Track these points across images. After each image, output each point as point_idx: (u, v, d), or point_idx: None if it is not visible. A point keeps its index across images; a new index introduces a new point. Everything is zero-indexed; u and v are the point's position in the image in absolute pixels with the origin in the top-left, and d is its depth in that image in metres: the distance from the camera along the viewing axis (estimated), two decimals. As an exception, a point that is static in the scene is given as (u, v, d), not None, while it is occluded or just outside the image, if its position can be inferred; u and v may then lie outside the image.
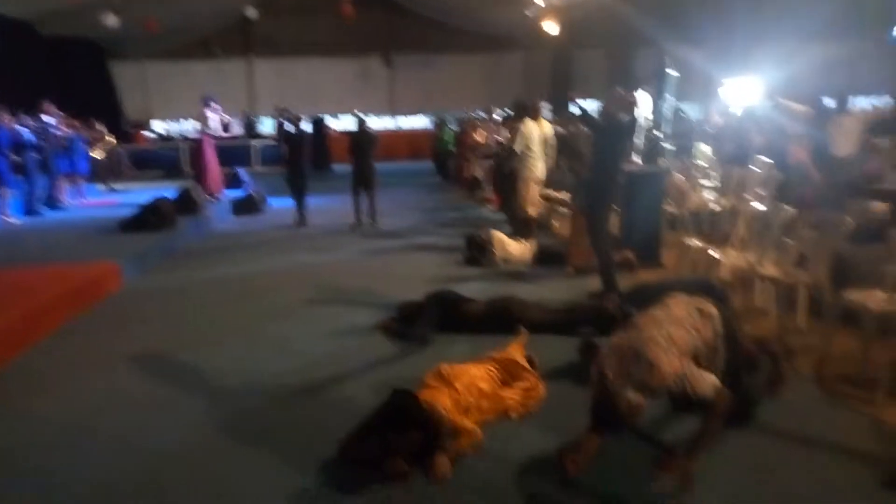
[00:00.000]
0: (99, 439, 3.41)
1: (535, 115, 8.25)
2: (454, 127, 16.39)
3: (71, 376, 4.29)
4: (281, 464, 3.09)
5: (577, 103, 6.72)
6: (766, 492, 2.82)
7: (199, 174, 11.86)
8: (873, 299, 3.96)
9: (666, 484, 2.77)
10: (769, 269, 4.98)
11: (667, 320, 3.01)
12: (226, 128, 12.63)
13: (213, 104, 12.47)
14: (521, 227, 7.95)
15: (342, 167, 18.03)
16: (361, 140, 9.54)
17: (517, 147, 7.58)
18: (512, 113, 9.95)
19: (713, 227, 8.46)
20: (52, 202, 11.31)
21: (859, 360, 3.98)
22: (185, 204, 9.77)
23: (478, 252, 6.99)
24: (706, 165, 9.57)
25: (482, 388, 3.42)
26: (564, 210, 8.46)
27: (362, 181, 9.56)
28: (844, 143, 7.63)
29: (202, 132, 12.17)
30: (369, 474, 2.89)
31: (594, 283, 5.79)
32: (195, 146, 12.39)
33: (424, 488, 2.84)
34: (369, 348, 4.57)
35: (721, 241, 6.08)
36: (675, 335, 2.90)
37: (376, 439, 2.97)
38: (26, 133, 10.32)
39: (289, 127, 9.95)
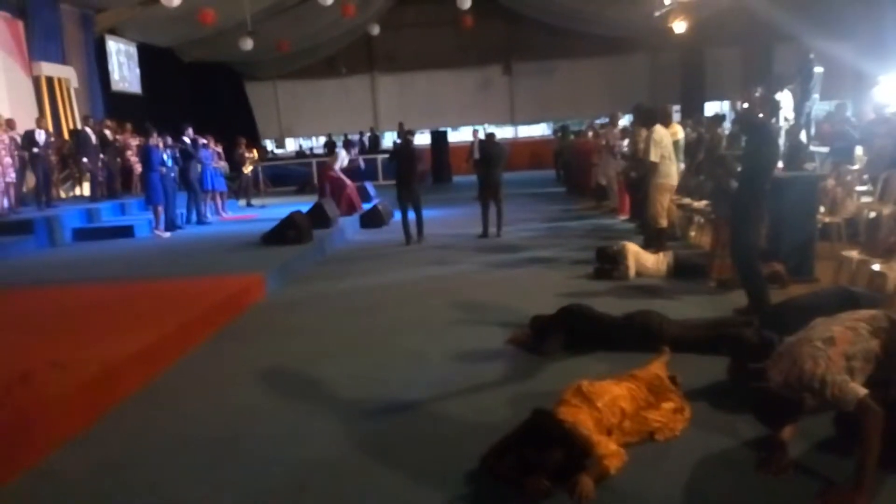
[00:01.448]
0: (240, 453, 3.51)
1: (665, 121, 7.91)
2: (576, 133, 16.12)
3: (216, 388, 4.51)
4: (421, 478, 3.10)
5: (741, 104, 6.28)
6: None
7: (334, 194, 12.39)
8: None
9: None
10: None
11: (839, 322, 2.91)
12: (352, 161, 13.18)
13: (352, 148, 13.11)
14: (653, 237, 7.64)
15: (463, 178, 18.33)
16: (491, 152, 9.58)
17: (653, 157, 7.26)
18: (634, 118, 9.61)
19: (871, 236, 7.73)
20: (199, 218, 12.21)
21: None
22: (319, 217, 10.22)
23: (609, 264, 6.77)
24: (862, 170, 8.76)
25: (624, 408, 3.26)
26: (702, 219, 8.04)
27: (490, 192, 9.58)
28: None
29: (331, 167, 12.71)
30: (511, 490, 2.83)
31: (740, 298, 5.42)
32: (324, 173, 13.02)
33: (566, 508, 2.74)
34: (502, 362, 4.52)
35: (883, 252, 5.52)
36: (840, 336, 2.80)
37: (515, 457, 2.91)
38: (168, 153, 11.17)
39: (398, 140, 10.01)
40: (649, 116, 7.98)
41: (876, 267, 5.02)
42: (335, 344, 5.23)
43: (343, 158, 12.66)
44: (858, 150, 9.90)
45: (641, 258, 6.74)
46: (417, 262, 8.33)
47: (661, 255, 6.85)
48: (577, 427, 2.93)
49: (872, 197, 8.03)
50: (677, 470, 3.00)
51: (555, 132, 18.75)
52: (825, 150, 10.31)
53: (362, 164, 13.49)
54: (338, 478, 3.18)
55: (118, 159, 13.26)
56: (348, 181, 12.62)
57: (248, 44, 16.74)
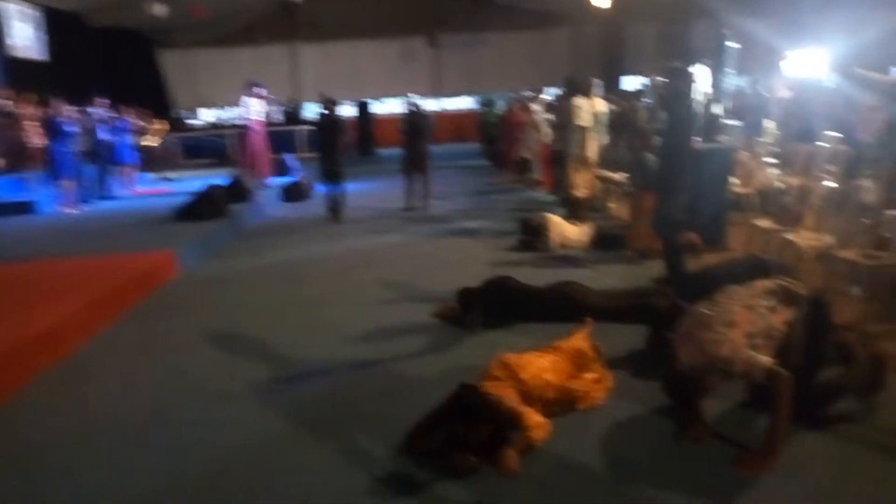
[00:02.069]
0: (156, 437, 3.37)
1: (586, 93, 7.96)
2: (501, 107, 16.12)
3: (130, 366, 4.31)
4: (345, 457, 3.01)
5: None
6: (847, 493, 2.60)
7: (248, 161, 11.94)
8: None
9: (744, 477, 2.65)
10: (848, 252, 4.67)
11: (738, 301, 2.97)
12: (266, 115, 12.54)
13: (256, 90, 12.42)
14: (574, 209, 7.73)
15: (388, 151, 18.09)
16: (416, 123, 9.41)
17: (581, 121, 7.31)
18: (563, 91, 9.68)
19: (780, 206, 8.09)
20: (106, 193, 11.53)
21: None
22: (236, 191, 9.82)
23: (533, 236, 6.80)
24: (771, 142, 9.12)
25: (548, 380, 3.27)
26: (621, 190, 8.19)
27: (416, 165, 9.45)
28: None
29: (248, 119, 12.16)
30: (437, 467, 2.79)
31: (657, 267, 5.55)
32: (243, 133, 12.44)
33: (492, 482, 2.71)
34: (428, 336, 4.47)
35: (791, 221, 5.76)
36: (740, 317, 2.86)
37: (443, 432, 2.86)
38: (73, 125, 10.46)
39: (322, 111, 9.27)
40: (572, 87, 8.03)
41: (786, 235, 5.23)
42: (254, 320, 5.04)
43: (253, 107, 11.99)
44: (767, 124, 10.30)
45: (564, 229, 6.81)
46: (341, 235, 8.14)
47: (583, 226, 6.94)
48: (502, 400, 2.91)
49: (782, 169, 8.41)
50: (599, 439, 3.04)
51: (480, 105, 18.69)
52: (738, 123, 10.69)
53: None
54: (258, 461, 3.06)
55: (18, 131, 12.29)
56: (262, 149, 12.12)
57: (158, 8, 15.79)
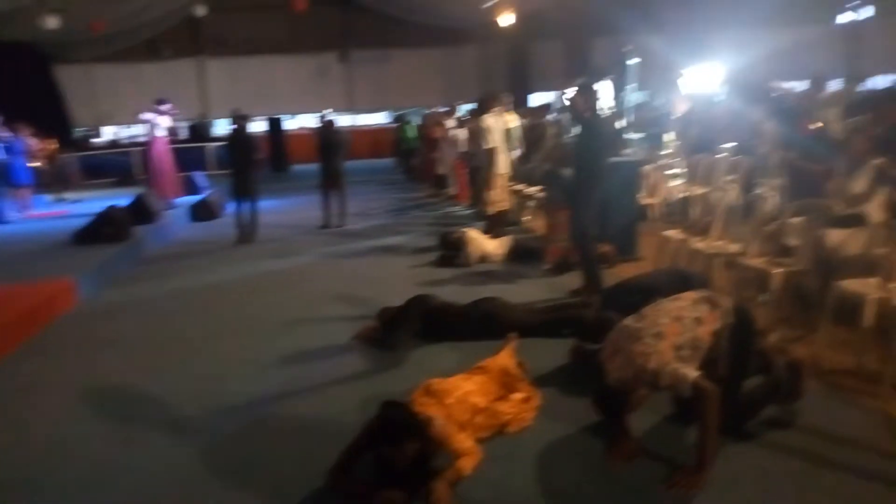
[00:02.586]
0: (49, 491, 3.06)
1: (497, 109, 8.02)
2: (416, 123, 16.14)
3: (20, 409, 3.93)
4: (265, 499, 2.82)
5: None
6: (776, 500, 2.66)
7: (153, 179, 11.39)
8: (870, 288, 3.87)
9: (679, 496, 2.64)
10: (754, 259, 4.88)
11: (665, 314, 2.99)
12: (172, 132, 12.02)
13: (161, 107, 11.89)
14: (492, 223, 7.77)
15: (303, 168, 17.72)
16: (330, 139, 9.23)
17: (491, 143, 7.37)
18: (476, 108, 9.75)
19: (684, 216, 8.43)
20: (-2, 217, 10.71)
21: (854, 352, 3.89)
22: (141, 212, 9.31)
23: (452, 251, 6.77)
24: (672, 154, 9.51)
25: (476, 404, 3.20)
26: (535, 204, 8.31)
27: (332, 181, 9.26)
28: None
29: (152, 135, 11.61)
30: (362, 506, 2.65)
31: (575, 279, 5.63)
32: (147, 150, 11.87)
33: (423, 519, 2.60)
34: (350, 361, 4.31)
35: (698, 230, 5.98)
36: (668, 329, 2.88)
37: (368, 458, 2.74)
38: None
39: (233, 127, 8.83)
40: (483, 106, 8.09)
41: (694, 244, 5.41)
42: (158, 355, 4.70)
43: (158, 123, 11.46)
44: (667, 136, 10.75)
45: (482, 244, 6.82)
46: (254, 256, 7.83)
47: (500, 240, 6.97)
48: (431, 417, 2.81)
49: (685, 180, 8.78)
50: (531, 463, 2.99)
51: (394, 121, 18.65)
52: (639, 135, 11.10)
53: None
54: (167, 509, 2.83)
55: None
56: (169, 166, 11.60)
57: (51, 22, 14.87)
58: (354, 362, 4.28)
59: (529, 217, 8.89)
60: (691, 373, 2.74)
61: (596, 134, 5.29)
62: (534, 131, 9.78)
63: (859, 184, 5.05)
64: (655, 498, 2.68)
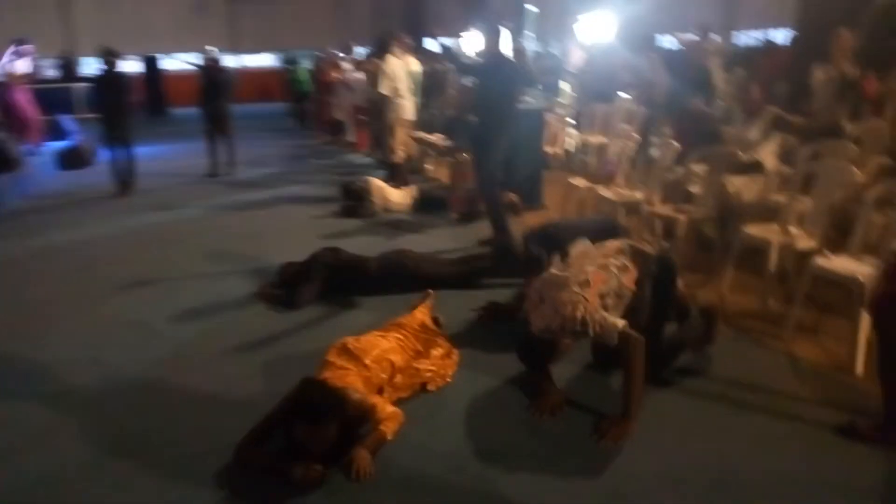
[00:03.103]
0: None
1: (399, 52, 7.67)
2: (308, 65, 15.33)
3: None
4: (165, 480, 2.52)
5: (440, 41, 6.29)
6: (696, 442, 2.69)
7: (13, 124, 10.17)
8: (772, 233, 3.98)
9: (609, 447, 2.61)
10: (660, 207, 4.94)
11: (590, 261, 2.92)
12: (33, 72, 10.77)
13: (20, 47, 10.56)
14: (395, 172, 7.49)
15: (183, 111, 16.46)
16: (215, 80, 8.51)
17: (384, 89, 7.02)
18: (374, 50, 9.32)
19: (583, 165, 8.52)
20: None
21: (757, 296, 4.02)
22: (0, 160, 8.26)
23: (355, 201, 6.47)
24: (569, 104, 9.54)
25: (395, 362, 3.01)
26: (439, 153, 8.09)
27: (218, 125, 8.58)
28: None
29: (10, 79, 10.34)
30: (276, 483, 2.42)
31: (483, 228, 5.53)
32: (5, 93, 10.56)
33: (345, 492, 2.40)
34: (251, 322, 3.97)
35: (605, 178, 6.02)
36: (594, 277, 2.81)
37: (284, 438, 2.51)
38: None
39: (103, 66, 7.78)
40: (383, 46, 7.69)
41: (600, 192, 5.41)
42: (27, 322, 4.13)
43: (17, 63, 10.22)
44: (563, 86, 10.77)
45: (387, 193, 6.55)
46: (134, 208, 7.14)
47: (405, 189, 6.74)
48: (348, 393, 2.60)
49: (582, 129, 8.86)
50: (456, 422, 2.86)
51: (284, 63, 17.60)
52: (538, 85, 11.05)
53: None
54: (57, 499, 2.47)
55: None
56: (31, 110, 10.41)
57: None
58: (256, 323, 3.96)
59: (431, 166, 8.67)
60: (618, 322, 2.68)
61: (501, 79, 5.11)
62: (434, 77, 9.47)
63: (754, 132, 5.20)
64: (585, 450, 2.62)
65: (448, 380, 3.15)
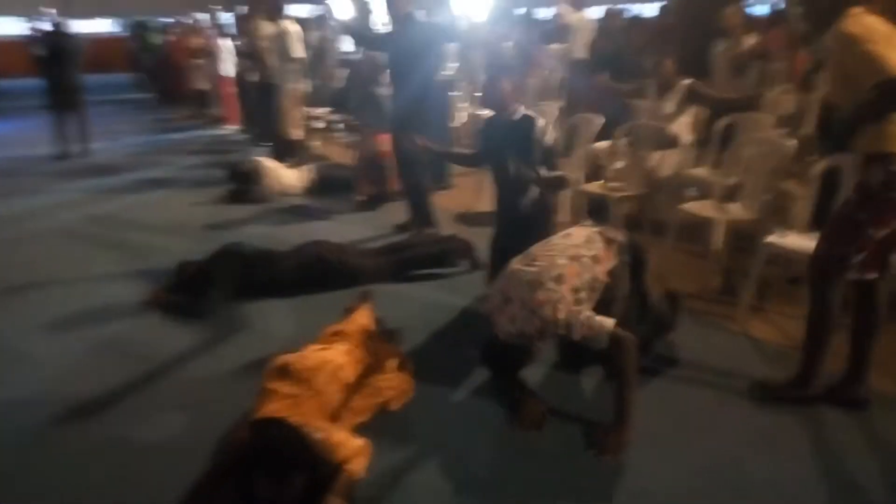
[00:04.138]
0: None
1: (272, 15, 6.87)
2: (160, 33, 13.87)
3: None
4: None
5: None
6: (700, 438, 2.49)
7: None
8: (712, 211, 3.89)
9: (611, 461, 2.34)
10: (592, 186, 4.75)
11: (560, 253, 2.62)
12: None
13: None
14: (284, 150, 6.80)
15: (13, 83, 14.34)
16: (60, 47, 7.31)
17: (297, 52, 6.27)
18: (246, 13, 8.43)
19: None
20: None
21: (697, 276, 3.93)
22: None
23: (245, 185, 5.77)
24: (456, 77, 9.21)
25: (348, 381, 2.55)
26: (331, 129, 7.49)
27: (65, 99, 7.39)
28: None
29: None
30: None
31: (396, 212, 5.09)
32: None
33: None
34: (148, 338, 3.28)
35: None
36: (568, 271, 2.53)
37: (238, 500, 1.98)
38: None
39: None
40: (255, 6, 6.90)
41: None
42: None
43: None
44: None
45: (281, 175, 5.91)
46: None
47: (300, 170, 6.11)
48: (310, 432, 2.11)
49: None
50: (430, 445, 2.44)
51: (131, 29, 15.80)
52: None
53: None
54: None
55: None
56: None
57: None
58: (155, 339, 3.28)
59: (320, 143, 8.03)
60: (608, 322, 2.39)
61: (415, 46, 4.65)
62: (314, 45, 8.76)
63: (669, 105, 5.13)
64: (586, 468, 2.32)
65: (410, 395, 2.73)
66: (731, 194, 4.13)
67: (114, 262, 4.26)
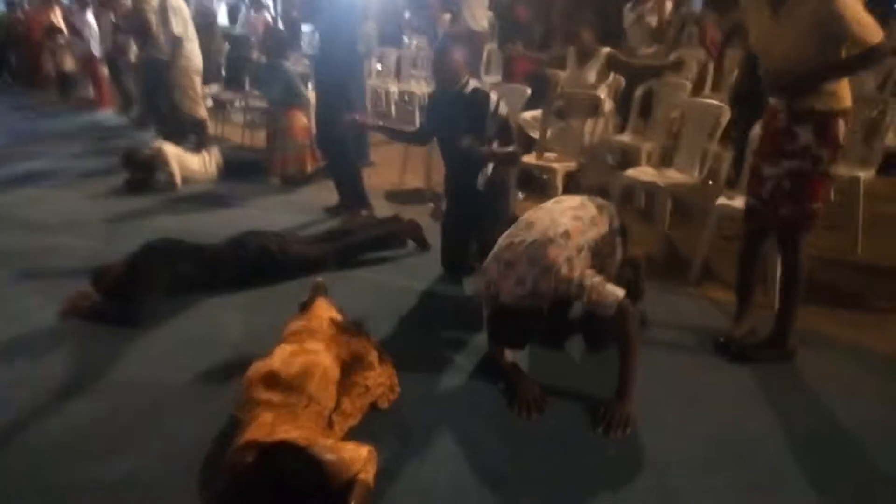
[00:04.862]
0: None
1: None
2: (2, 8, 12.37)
3: None
4: None
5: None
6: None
7: None
8: (654, 176, 3.94)
9: (620, 437, 2.30)
10: (530, 157, 4.69)
11: (560, 213, 2.55)
12: None
13: None
14: (180, 132, 6.22)
15: None
16: None
17: (175, 27, 5.70)
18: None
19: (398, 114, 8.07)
20: None
21: (640, 243, 3.97)
22: None
23: (145, 173, 5.23)
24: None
25: (334, 382, 2.34)
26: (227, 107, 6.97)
27: None
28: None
29: None
30: None
31: (318, 194, 4.83)
32: None
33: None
34: (81, 355, 2.86)
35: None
36: (573, 228, 2.46)
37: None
38: None
39: None
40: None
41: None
42: None
43: None
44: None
45: (184, 160, 5.41)
46: None
47: (203, 154, 5.63)
48: (321, 453, 1.88)
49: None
50: (430, 443, 2.27)
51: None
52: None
53: None
54: None
55: None
56: None
57: None
58: (89, 354, 2.86)
59: (214, 122, 7.46)
60: (619, 290, 2.33)
61: (339, 24, 4.35)
62: (201, 17, 8.10)
63: (591, 73, 5.16)
64: (592, 446, 2.25)
65: (397, 390, 2.55)
66: (662, 160, 4.21)
67: (11, 271, 3.70)
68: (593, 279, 2.32)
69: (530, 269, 2.34)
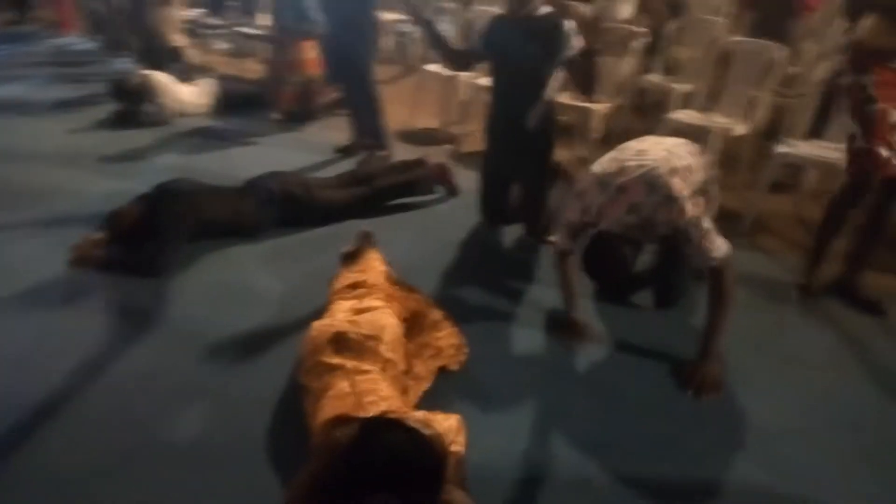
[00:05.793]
0: None
1: None
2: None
3: None
4: None
5: None
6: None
7: None
8: (702, 120, 3.74)
9: (708, 397, 2.18)
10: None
11: (674, 145, 2.32)
12: None
13: None
14: (159, 60, 5.70)
15: None
16: None
17: None
18: None
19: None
20: None
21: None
22: None
23: (134, 104, 4.80)
24: None
25: (405, 343, 2.14)
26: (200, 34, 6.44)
27: None
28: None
29: None
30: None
31: (326, 132, 4.51)
32: None
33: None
34: (96, 303, 2.59)
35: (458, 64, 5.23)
36: (693, 164, 2.28)
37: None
38: None
39: None
40: None
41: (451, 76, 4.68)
42: None
43: None
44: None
45: (178, 92, 4.98)
46: None
47: (197, 85, 5.19)
48: (419, 428, 1.68)
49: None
50: (512, 405, 2.12)
51: None
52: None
53: None
54: None
55: None
56: None
57: None
58: (111, 303, 2.61)
59: (197, 50, 6.92)
60: (725, 245, 2.13)
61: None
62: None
63: (626, 8, 4.85)
64: (685, 410, 2.12)
65: (466, 351, 2.35)
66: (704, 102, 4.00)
67: (8, 211, 3.34)
68: (707, 224, 2.12)
69: (649, 197, 2.10)
